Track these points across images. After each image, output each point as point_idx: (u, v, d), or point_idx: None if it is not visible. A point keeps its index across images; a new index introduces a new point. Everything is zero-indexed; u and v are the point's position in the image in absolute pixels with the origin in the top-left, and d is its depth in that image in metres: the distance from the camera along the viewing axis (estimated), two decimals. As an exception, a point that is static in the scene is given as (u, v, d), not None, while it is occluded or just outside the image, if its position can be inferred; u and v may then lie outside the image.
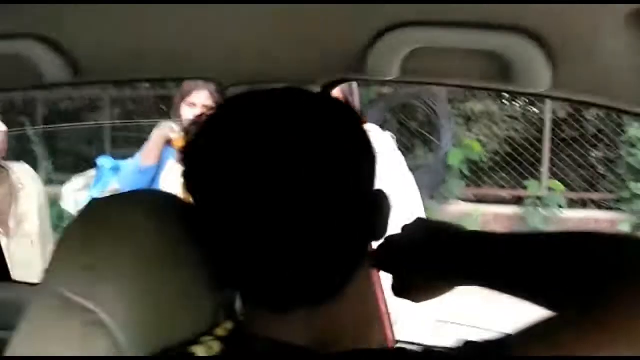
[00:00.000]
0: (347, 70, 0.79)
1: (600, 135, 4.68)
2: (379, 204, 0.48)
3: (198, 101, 1.93)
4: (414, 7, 0.64)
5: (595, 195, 4.68)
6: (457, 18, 0.63)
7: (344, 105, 0.50)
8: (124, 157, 2.46)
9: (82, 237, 0.55)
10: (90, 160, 2.63)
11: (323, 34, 0.73)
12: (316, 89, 0.81)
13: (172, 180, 2.15)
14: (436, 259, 0.51)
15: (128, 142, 4.56)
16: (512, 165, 4.83)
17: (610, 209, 4.54)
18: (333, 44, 0.75)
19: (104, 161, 2.55)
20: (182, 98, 2.00)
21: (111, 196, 0.65)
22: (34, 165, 2.65)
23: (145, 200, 0.61)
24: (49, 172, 4.73)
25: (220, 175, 0.44)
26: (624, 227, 4.14)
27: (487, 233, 0.50)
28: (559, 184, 4.53)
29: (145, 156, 2.16)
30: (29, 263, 1.68)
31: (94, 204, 0.60)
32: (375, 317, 0.60)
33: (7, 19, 0.75)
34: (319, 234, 0.44)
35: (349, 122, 0.48)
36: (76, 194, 1.64)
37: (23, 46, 0.80)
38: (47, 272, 0.57)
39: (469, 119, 4.99)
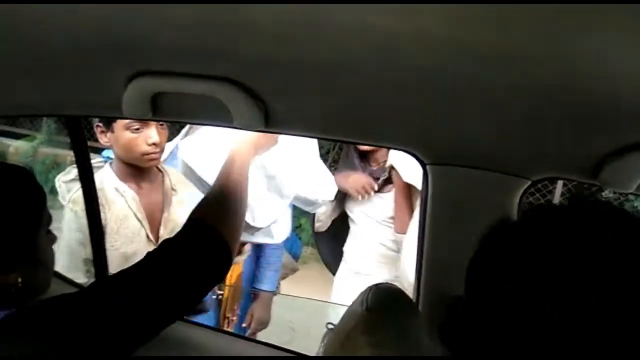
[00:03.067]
0: (559, 169, 0.80)
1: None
2: None
3: None
4: None
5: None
6: None
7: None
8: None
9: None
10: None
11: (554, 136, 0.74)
12: (525, 182, 0.82)
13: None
14: None
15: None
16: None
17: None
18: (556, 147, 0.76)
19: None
20: None
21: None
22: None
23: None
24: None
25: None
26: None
27: None
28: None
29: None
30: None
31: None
32: None
33: (206, 62, 0.72)
34: None
35: None
36: (68, 184, 1.57)
37: (218, 89, 0.77)
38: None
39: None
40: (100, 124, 1.49)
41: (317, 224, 2.11)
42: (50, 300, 0.75)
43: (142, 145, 1.48)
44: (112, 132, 1.48)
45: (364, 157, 2.00)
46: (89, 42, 0.70)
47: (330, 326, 0.79)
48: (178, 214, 1.64)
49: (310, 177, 1.42)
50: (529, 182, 0.82)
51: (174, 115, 0.90)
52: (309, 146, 1.43)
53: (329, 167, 5.18)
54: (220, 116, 0.82)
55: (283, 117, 0.83)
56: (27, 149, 5.46)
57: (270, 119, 0.83)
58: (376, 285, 0.68)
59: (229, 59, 0.70)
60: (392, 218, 1.95)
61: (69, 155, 5.05)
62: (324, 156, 5.18)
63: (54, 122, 5.44)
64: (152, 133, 1.48)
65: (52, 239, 0.92)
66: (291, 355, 1.16)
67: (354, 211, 2.04)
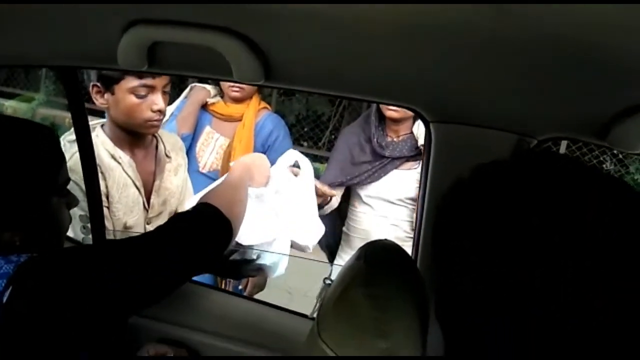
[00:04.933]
0: (566, 129, 0.79)
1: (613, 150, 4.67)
2: None
3: None
4: None
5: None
6: None
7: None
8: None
9: (372, 313, 0.55)
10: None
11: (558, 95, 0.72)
12: (531, 141, 0.80)
13: (210, 149, 2.06)
14: None
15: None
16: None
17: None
18: (565, 106, 0.74)
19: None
20: None
21: (372, 256, 0.64)
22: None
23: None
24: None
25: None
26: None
27: None
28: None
29: (182, 123, 2.02)
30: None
31: (366, 269, 0.60)
32: None
33: (206, 11, 0.70)
34: None
35: None
36: (72, 144, 1.53)
37: (217, 40, 0.75)
38: (324, 327, 0.56)
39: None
40: (98, 84, 1.38)
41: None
42: (63, 252, 0.78)
43: (146, 111, 1.39)
44: (112, 93, 1.38)
45: (384, 123, 1.85)
46: None
47: (327, 282, 0.79)
48: (171, 181, 1.57)
49: (302, 220, 1.39)
50: (535, 142, 0.80)
51: (171, 68, 0.87)
52: (308, 190, 1.40)
53: (330, 134, 5.13)
54: (219, 69, 0.80)
55: (283, 71, 0.81)
56: (25, 110, 5.42)
57: (271, 73, 0.81)
58: (375, 241, 0.67)
59: (230, 8, 0.68)
60: (411, 199, 1.78)
61: (67, 117, 5.04)
62: (324, 123, 5.13)
63: (52, 83, 5.39)
64: (158, 99, 1.40)
65: (70, 202, 0.92)
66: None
67: (364, 188, 1.87)
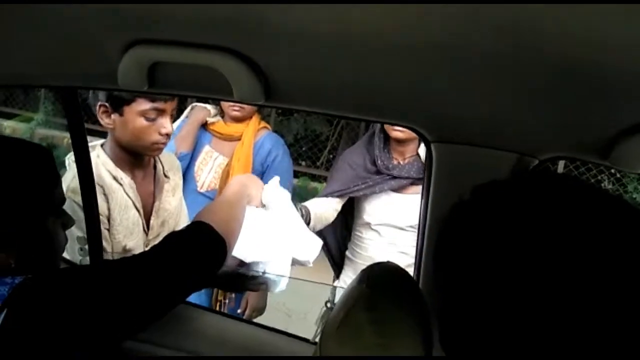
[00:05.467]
0: (568, 148, 0.78)
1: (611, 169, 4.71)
2: None
3: None
4: None
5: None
6: None
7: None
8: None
9: (376, 339, 0.54)
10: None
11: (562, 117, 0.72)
12: (532, 161, 0.80)
13: (208, 169, 2.06)
14: None
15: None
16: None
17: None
18: (566, 126, 0.74)
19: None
20: None
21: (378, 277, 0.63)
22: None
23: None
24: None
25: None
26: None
27: None
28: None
29: (180, 142, 2.01)
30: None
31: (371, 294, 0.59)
32: None
33: (207, 31, 0.70)
34: None
35: None
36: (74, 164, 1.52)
37: (218, 60, 0.75)
38: (327, 352, 0.55)
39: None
40: (106, 104, 1.37)
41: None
42: (58, 274, 0.76)
43: (154, 134, 1.40)
44: (121, 115, 1.37)
45: (388, 145, 1.82)
46: (86, 6, 0.67)
47: (329, 305, 0.77)
48: (170, 202, 1.56)
49: (298, 236, 1.37)
50: (537, 162, 0.80)
51: (171, 88, 0.87)
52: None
53: (328, 154, 5.12)
54: (219, 89, 0.80)
55: (284, 91, 0.81)
56: (24, 131, 5.43)
57: (271, 93, 0.81)
58: (377, 263, 0.66)
59: (230, 28, 0.68)
60: None
61: (66, 137, 5.04)
62: (323, 142, 5.14)
63: (51, 104, 5.41)
64: (167, 123, 1.40)
65: (66, 223, 0.91)
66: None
67: (372, 214, 1.83)
